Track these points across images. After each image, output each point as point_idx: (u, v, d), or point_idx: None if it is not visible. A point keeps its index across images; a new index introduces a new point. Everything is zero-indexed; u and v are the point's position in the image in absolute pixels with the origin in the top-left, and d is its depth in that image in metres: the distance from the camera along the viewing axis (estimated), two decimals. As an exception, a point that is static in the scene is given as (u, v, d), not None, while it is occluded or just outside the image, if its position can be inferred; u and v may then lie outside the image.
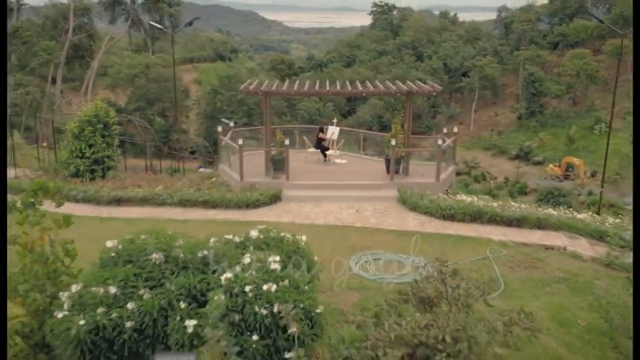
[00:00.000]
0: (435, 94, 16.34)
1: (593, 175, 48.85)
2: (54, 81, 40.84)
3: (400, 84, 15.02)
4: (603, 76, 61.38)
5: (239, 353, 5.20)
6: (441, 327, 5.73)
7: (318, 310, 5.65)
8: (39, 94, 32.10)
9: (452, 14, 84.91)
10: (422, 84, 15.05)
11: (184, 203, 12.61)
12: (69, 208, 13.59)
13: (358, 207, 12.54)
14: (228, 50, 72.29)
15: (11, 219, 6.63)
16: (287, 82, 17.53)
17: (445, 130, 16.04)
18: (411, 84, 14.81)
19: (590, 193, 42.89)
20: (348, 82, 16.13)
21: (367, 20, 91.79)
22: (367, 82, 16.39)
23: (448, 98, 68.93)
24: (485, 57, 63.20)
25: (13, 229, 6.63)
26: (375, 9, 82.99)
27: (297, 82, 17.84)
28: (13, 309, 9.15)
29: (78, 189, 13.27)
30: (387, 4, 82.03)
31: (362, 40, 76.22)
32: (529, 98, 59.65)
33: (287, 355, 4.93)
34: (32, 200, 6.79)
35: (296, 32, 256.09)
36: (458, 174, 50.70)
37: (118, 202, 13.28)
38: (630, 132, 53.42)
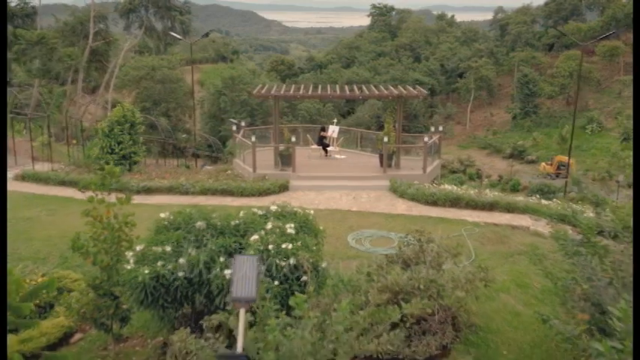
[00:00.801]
0: (421, 97, 18.45)
1: (584, 174, 50.92)
2: (62, 83, 43.10)
3: (392, 88, 17.14)
4: (596, 77, 63.56)
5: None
6: (417, 279, 8.04)
7: (323, 265, 7.85)
8: (47, 95, 34.25)
9: (449, 16, 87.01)
10: (411, 89, 17.17)
11: (205, 192, 14.74)
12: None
13: (355, 195, 14.69)
14: (230, 52, 74.45)
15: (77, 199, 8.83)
16: (293, 86, 19.63)
17: (432, 129, 18.22)
18: (401, 88, 16.93)
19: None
20: (346, 87, 18.21)
21: (366, 20, 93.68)
22: (364, 86, 18.49)
23: (445, 98, 71.09)
24: (481, 58, 65.31)
25: (83, 205, 8.85)
26: (373, 11, 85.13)
27: (302, 86, 19.93)
28: (72, 275, 11.48)
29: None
30: (385, 6, 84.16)
31: (361, 42, 78.30)
32: (523, 99, 61.69)
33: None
34: (102, 182, 9.02)
35: (295, 32, 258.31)
36: (453, 172, 52.78)
37: (147, 191, 15.38)
38: (620, 131, 55.59)
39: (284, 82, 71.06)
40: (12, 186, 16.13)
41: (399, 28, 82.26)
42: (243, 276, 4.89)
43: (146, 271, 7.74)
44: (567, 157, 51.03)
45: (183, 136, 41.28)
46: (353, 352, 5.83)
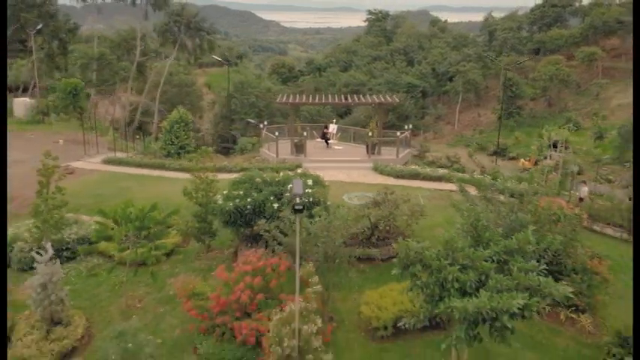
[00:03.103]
0: (395, 104, 25.52)
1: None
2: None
3: (375, 97, 24.21)
4: (575, 80, 70.54)
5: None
6: (382, 210, 15.49)
7: (328, 203, 15.15)
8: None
9: (442, 21, 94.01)
10: (388, 97, 24.25)
11: (244, 170, 21.67)
12: (172, 174, 22.76)
13: (348, 172, 21.71)
14: (234, 56, 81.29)
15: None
16: (304, 96, 26.67)
17: (406, 127, 25.30)
18: (381, 97, 24.02)
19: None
20: (342, 96, 25.25)
21: (364, 20, 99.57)
22: (355, 96, 25.52)
23: (436, 100, 78.14)
24: (469, 63, 72.24)
25: (160, 180, 16.23)
26: (370, 16, 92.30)
27: (311, 96, 26.97)
28: (179, 216, 18.18)
29: (175, 163, 22.38)
30: (380, 12, 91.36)
31: (358, 46, 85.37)
32: (507, 100, 68.55)
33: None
34: (201, 158, 16.29)
35: (293, 32, 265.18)
36: (440, 167, 59.78)
37: (200, 170, 22.31)
38: (594, 130, 62.52)
39: (285, 84, 77.98)
40: (102, 167, 23.01)
41: (395, 32, 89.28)
42: (297, 184, 12.00)
43: (230, 204, 14.97)
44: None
45: (200, 134, 48.18)
46: (344, 237, 13.19)
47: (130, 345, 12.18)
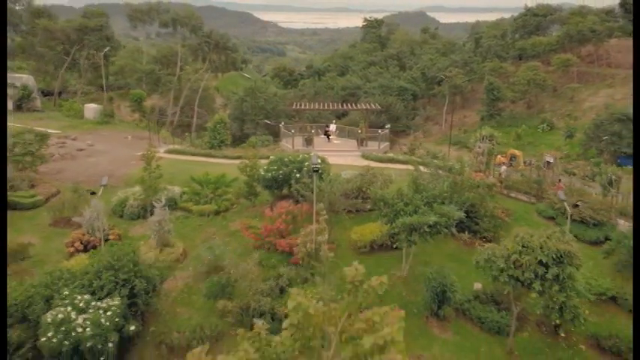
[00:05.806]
0: (377, 110, 35.62)
1: (531, 163, 67.82)
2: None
3: (363, 105, 34.23)
4: (551, 84, 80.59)
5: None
6: (364, 180, 26.13)
7: (331, 175, 25.53)
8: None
9: (434, 28, 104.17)
10: (372, 104, 34.34)
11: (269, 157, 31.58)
12: (218, 160, 32.66)
13: (344, 158, 31.71)
14: (240, 61, 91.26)
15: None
16: (312, 104, 36.65)
17: (386, 126, 35.35)
18: (368, 105, 34.04)
19: (522, 175, 62.01)
20: (338, 104, 35.24)
21: (361, 21, 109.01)
22: (349, 103, 35.60)
23: (426, 102, 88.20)
24: (455, 68, 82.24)
25: (212, 164, 26.50)
26: (365, 24, 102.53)
27: (316, 103, 36.96)
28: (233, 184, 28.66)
29: (218, 153, 32.34)
30: (375, 20, 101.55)
31: (354, 52, 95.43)
32: (489, 103, 78.54)
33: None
34: (252, 145, 26.71)
35: (291, 33, 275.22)
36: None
37: (237, 158, 32.19)
38: (565, 129, 72.56)
39: (286, 87, 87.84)
40: (166, 155, 32.96)
41: (388, 39, 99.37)
42: (314, 158, 22.17)
43: (269, 174, 25.23)
44: (517, 151, 68.18)
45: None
46: (340, 193, 23.63)
47: (217, 252, 22.03)
